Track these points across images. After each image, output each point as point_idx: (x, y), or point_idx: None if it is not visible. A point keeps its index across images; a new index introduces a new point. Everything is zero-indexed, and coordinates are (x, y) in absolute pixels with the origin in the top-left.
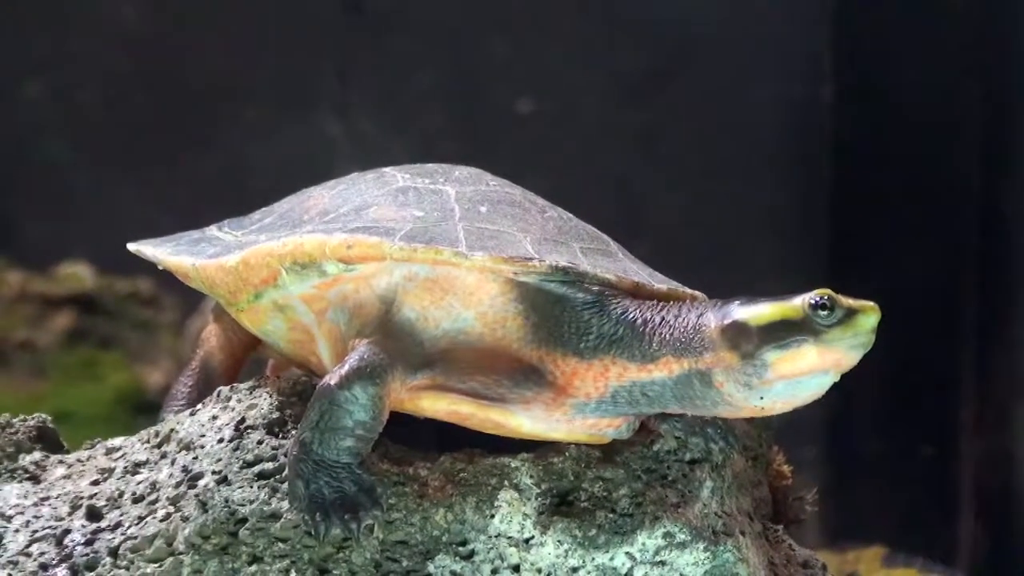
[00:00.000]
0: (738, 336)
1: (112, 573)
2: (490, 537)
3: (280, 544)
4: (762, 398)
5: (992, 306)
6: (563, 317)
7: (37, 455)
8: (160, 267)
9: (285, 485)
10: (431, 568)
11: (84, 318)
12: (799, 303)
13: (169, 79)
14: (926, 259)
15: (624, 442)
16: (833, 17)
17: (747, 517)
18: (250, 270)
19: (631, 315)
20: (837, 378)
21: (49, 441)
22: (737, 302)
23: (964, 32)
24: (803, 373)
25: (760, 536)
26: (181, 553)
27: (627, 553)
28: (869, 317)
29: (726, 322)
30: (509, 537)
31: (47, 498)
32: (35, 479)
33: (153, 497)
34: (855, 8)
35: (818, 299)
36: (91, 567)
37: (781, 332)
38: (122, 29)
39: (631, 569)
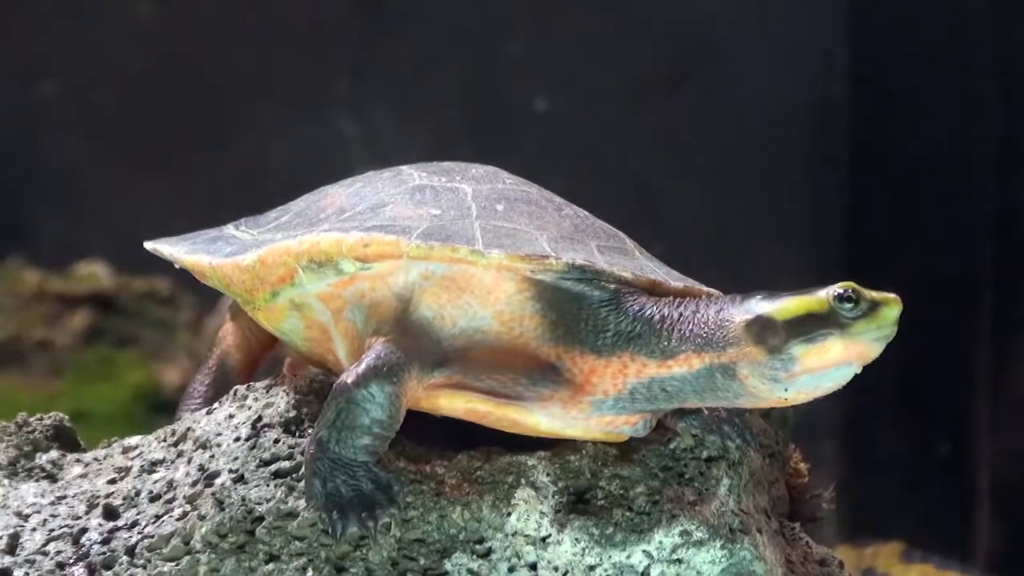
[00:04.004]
0: (764, 331)
1: (129, 572)
2: (507, 535)
3: (297, 542)
4: (787, 390)
5: (1008, 304)
6: (580, 315)
7: (54, 454)
8: (177, 266)
9: (302, 483)
10: (448, 566)
11: (101, 317)
12: (824, 296)
13: (184, 78)
14: (942, 257)
15: (641, 440)
16: (848, 15)
17: (764, 515)
18: (267, 268)
19: (648, 312)
20: (859, 369)
21: (66, 440)
22: (758, 296)
23: (979, 28)
24: (829, 366)
25: (777, 534)
26: (198, 552)
27: (644, 551)
28: (892, 309)
29: (751, 317)
30: (526, 535)
31: (64, 497)
32: (52, 478)
33: (170, 496)
34: (870, 6)
35: (842, 292)
36: (108, 566)
37: (807, 326)
38: (137, 28)
39: (648, 567)
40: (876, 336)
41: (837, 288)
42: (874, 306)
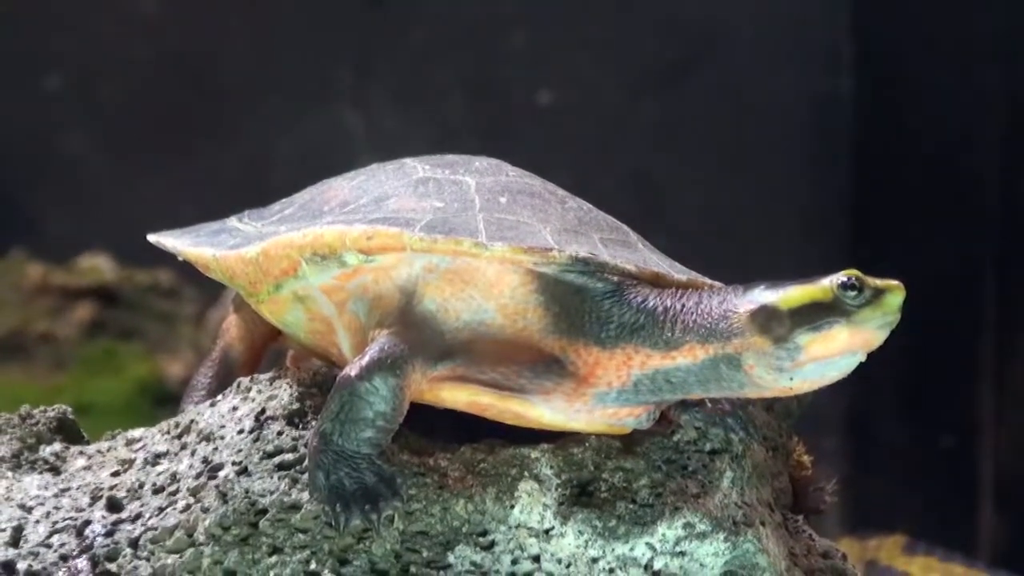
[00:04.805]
0: (769, 320)
1: (133, 564)
2: (510, 528)
3: (300, 535)
4: (792, 379)
5: (1011, 297)
6: (583, 307)
7: (57, 446)
8: (180, 258)
9: (305, 476)
10: (451, 559)
11: (104, 310)
12: (828, 284)
13: (189, 72)
14: (946, 250)
15: (644, 433)
16: (852, 9)
17: (767, 507)
18: (270, 261)
19: (651, 303)
20: (864, 357)
21: (69, 432)
22: (761, 286)
23: (983, 25)
24: (834, 354)
25: (780, 526)
26: (201, 544)
27: (647, 543)
28: (896, 296)
29: (755, 306)
30: (529, 528)
31: (67, 489)
32: (55, 470)
33: (173, 488)
34: (873, 1)
35: (846, 279)
36: (111, 558)
37: (812, 314)
38: (142, 22)
39: (651, 559)
40: (881, 323)
41: (840, 276)
42: (878, 293)
